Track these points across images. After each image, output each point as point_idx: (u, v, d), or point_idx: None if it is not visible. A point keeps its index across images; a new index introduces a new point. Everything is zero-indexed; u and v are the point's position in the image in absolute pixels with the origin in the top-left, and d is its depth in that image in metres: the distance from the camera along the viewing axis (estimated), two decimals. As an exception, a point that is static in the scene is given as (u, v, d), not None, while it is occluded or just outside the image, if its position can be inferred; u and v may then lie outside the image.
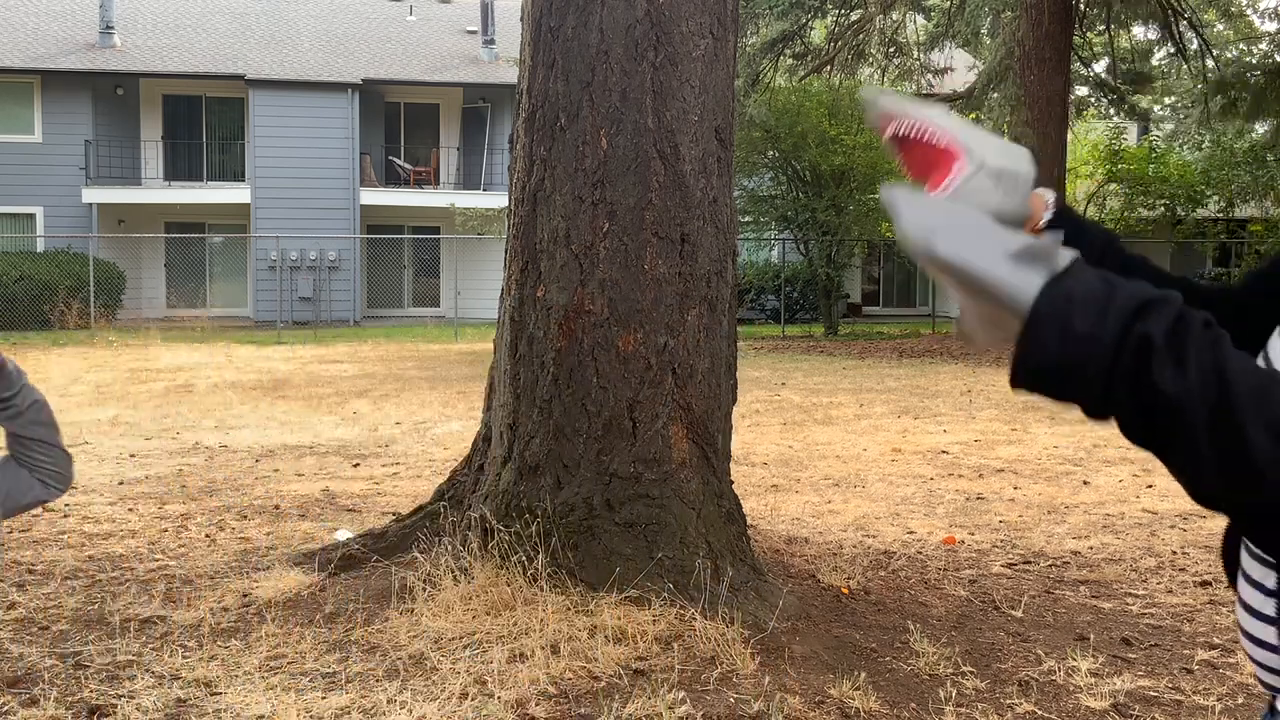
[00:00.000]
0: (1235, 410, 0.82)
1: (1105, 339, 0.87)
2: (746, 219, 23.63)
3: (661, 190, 4.18)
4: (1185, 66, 23.51)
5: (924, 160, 1.18)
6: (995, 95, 21.86)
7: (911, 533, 5.79)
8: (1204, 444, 0.84)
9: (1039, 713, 3.40)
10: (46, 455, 2.02)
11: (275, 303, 25.61)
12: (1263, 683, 1.07)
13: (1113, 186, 25.12)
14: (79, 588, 4.57)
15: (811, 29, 21.88)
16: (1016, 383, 0.92)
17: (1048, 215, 1.24)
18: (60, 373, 14.95)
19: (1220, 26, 33.21)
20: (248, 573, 4.73)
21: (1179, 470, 0.89)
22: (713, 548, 4.12)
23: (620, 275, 4.17)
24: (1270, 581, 1.00)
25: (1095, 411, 0.92)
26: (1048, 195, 1.20)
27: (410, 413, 10.73)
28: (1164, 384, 0.84)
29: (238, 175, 28.11)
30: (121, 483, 7.13)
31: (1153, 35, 34.52)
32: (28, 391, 2.00)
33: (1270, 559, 0.93)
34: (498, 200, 25.02)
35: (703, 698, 3.33)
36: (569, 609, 3.85)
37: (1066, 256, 0.92)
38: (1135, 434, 0.91)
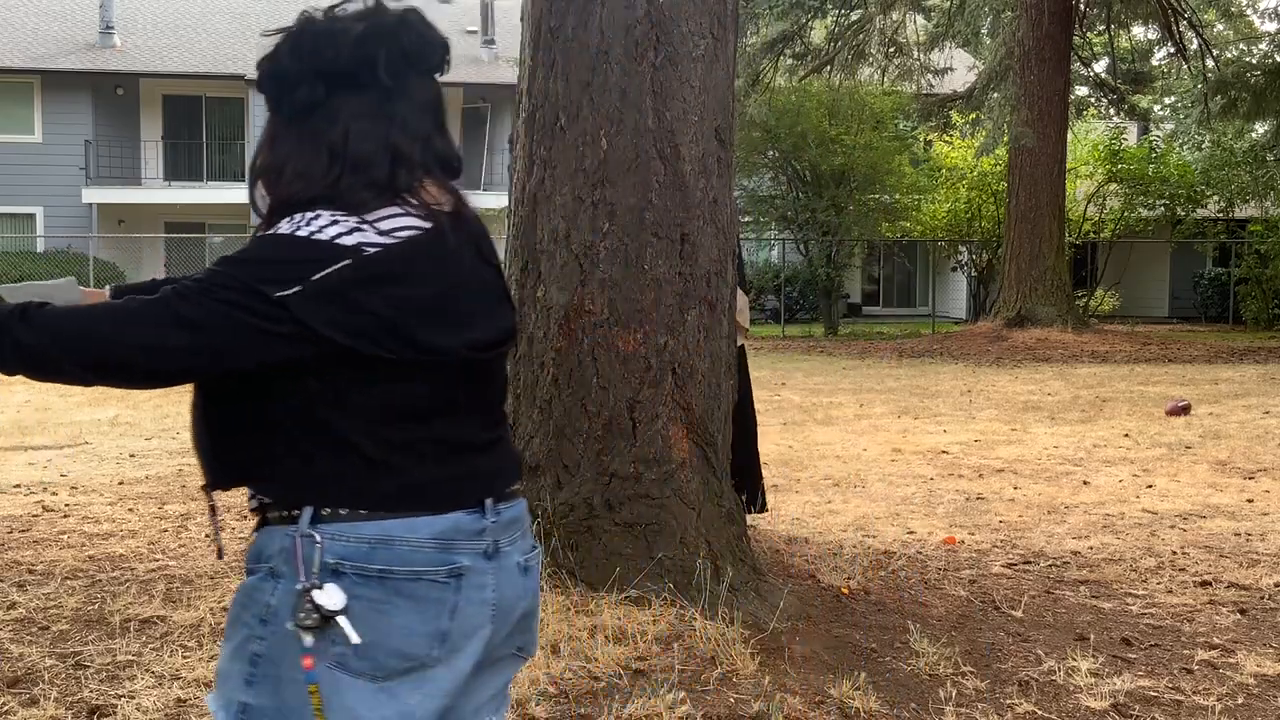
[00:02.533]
0: (56, 341, 1.52)
1: None
2: (746, 219, 23.62)
3: (661, 190, 4.18)
4: (1185, 66, 23.50)
5: None
6: (995, 95, 21.87)
7: (911, 533, 5.79)
8: (63, 363, 1.54)
9: (1039, 713, 3.40)
10: None
11: (275, 303, 25.52)
12: None
13: (1113, 186, 25.10)
14: (79, 588, 4.57)
15: (811, 29, 21.87)
16: None
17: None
18: (60, 373, 14.94)
19: (1220, 26, 33.23)
20: (248, 573, 4.73)
21: (68, 382, 1.58)
22: (713, 548, 4.12)
23: (620, 275, 4.17)
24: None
25: (9, 370, 1.55)
26: (108, 290, 1.96)
27: (410, 413, 10.74)
28: (24, 342, 1.51)
29: (238, 175, 28.10)
30: (121, 483, 7.13)
31: (1153, 35, 34.54)
32: None
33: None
34: (498, 200, 25.01)
35: (703, 698, 3.33)
36: (569, 609, 3.86)
37: None
38: (38, 376, 1.57)
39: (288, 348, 1.54)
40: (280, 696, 1.57)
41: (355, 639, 1.54)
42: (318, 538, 1.56)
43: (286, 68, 1.65)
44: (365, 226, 1.57)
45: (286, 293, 1.51)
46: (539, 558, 1.78)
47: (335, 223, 1.56)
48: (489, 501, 1.67)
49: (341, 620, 1.54)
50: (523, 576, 1.71)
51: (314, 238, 1.54)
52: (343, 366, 1.56)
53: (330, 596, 1.54)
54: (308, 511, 1.58)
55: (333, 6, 1.67)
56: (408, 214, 1.61)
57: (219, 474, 1.67)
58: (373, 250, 1.55)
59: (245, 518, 6.09)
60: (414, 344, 1.57)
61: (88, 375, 1.56)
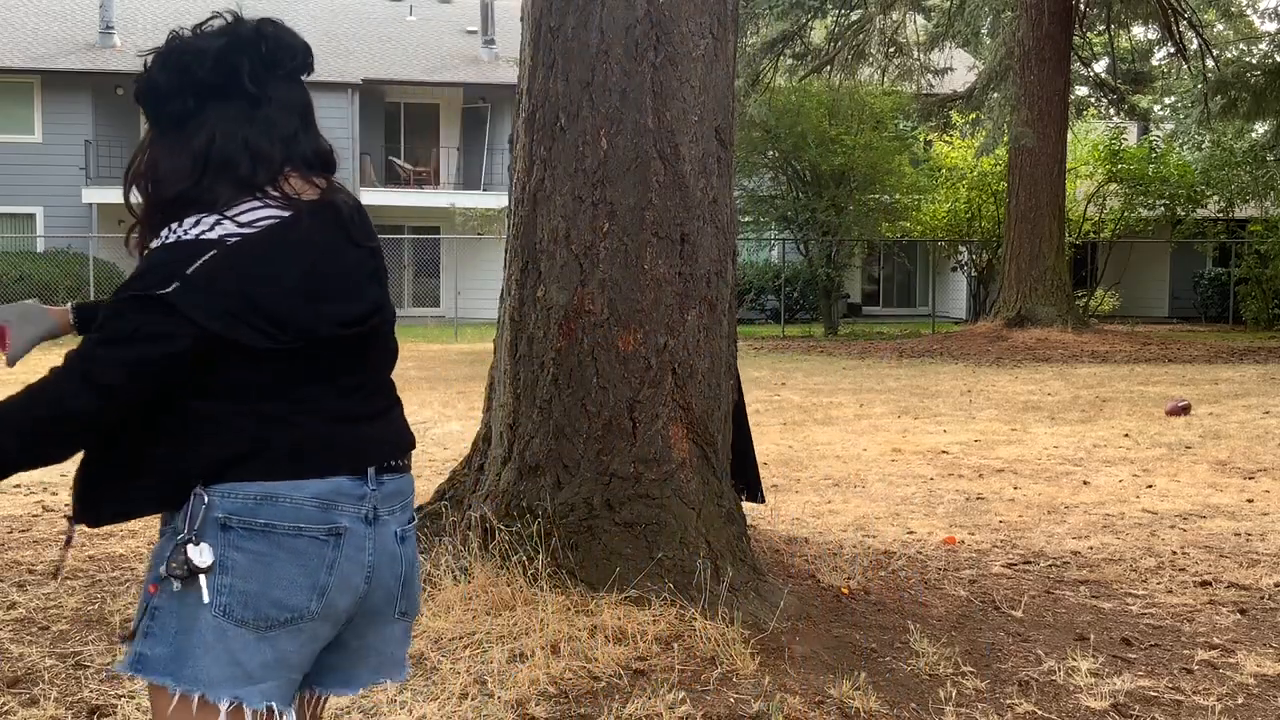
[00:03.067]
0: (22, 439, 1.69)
1: None
2: (746, 219, 23.62)
3: (661, 190, 4.18)
4: (1185, 66, 23.50)
5: None
6: (995, 95, 21.86)
7: (911, 533, 5.79)
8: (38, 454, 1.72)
9: (1039, 713, 3.40)
10: None
11: (275, 303, 25.53)
12: None
13: (1113, 186, 25.10)
14: (79, 588, 4.57)
15: (811, 29, 21.87)
16: None
17: (73, 318, 2.12)
18: (60, 373, 14.93)
19: (1220, 26, 33.23)
20: (248, 573, 4.73)
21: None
22: (713, 548, 4.12)
23: (620, 275, 4.16)
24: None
25: None
26: (69, 306, 2.13)
27: (410, 413, 10.69)
28: None
29: (238, 175, 28.06)
30: (121, 483, 7.12)
31: (1153, 35, 34.53)
32: None
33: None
34: (498, 200, 25.03)
35: (703, 698, 3.33)
36: (569, 609, 3.85)
37: None
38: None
39: (182, 345, 1.69)
40: (175, 644, 1.72)
41: (206, 598, 1.71)
42: (205, 497, 1.73)
43: (159, 84, 1.81)
44: (225, 220, 1.74)
45: (167, 290, 1.68)
46: (414, 530, 1.98)
47: (198, 222, 1.73)
48: (371, 471, 1.84)
49: (203, 579, 1.71)
50: (399, 545, 1.89)
51: (182, 240, 1.72)
52: (221, 354, 1.71)
53: (201, 554, 1.71)
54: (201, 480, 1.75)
55: (199, 24, 1.83)
56: (266, 205, 1.77)
57: (107, 507, 1.78)
58: (234, 240, 1.72)
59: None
60: (285, 324, 1.73)
61: (65, 449, 1.73)
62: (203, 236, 1.71)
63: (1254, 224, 24.90)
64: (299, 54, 1.84)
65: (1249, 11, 34.27)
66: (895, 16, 21.33)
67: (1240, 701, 3.52)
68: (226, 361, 1.72)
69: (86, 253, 23.55)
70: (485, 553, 4.15)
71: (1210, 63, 22.18)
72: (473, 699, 3.31)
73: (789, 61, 21.80)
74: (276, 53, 1.81)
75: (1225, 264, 26.90)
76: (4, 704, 3.33)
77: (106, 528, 5.74)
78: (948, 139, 25.05)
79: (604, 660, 3.52)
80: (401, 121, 29.41)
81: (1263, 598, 4.65)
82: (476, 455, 4.73)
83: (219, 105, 1.80)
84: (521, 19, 4.50)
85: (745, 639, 3.70)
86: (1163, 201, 25.35)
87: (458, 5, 32.75)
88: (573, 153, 4.21)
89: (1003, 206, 21.65)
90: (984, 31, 27.27)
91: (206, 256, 1.70)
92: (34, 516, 6.06)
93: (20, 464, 1.71)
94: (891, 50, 22.01)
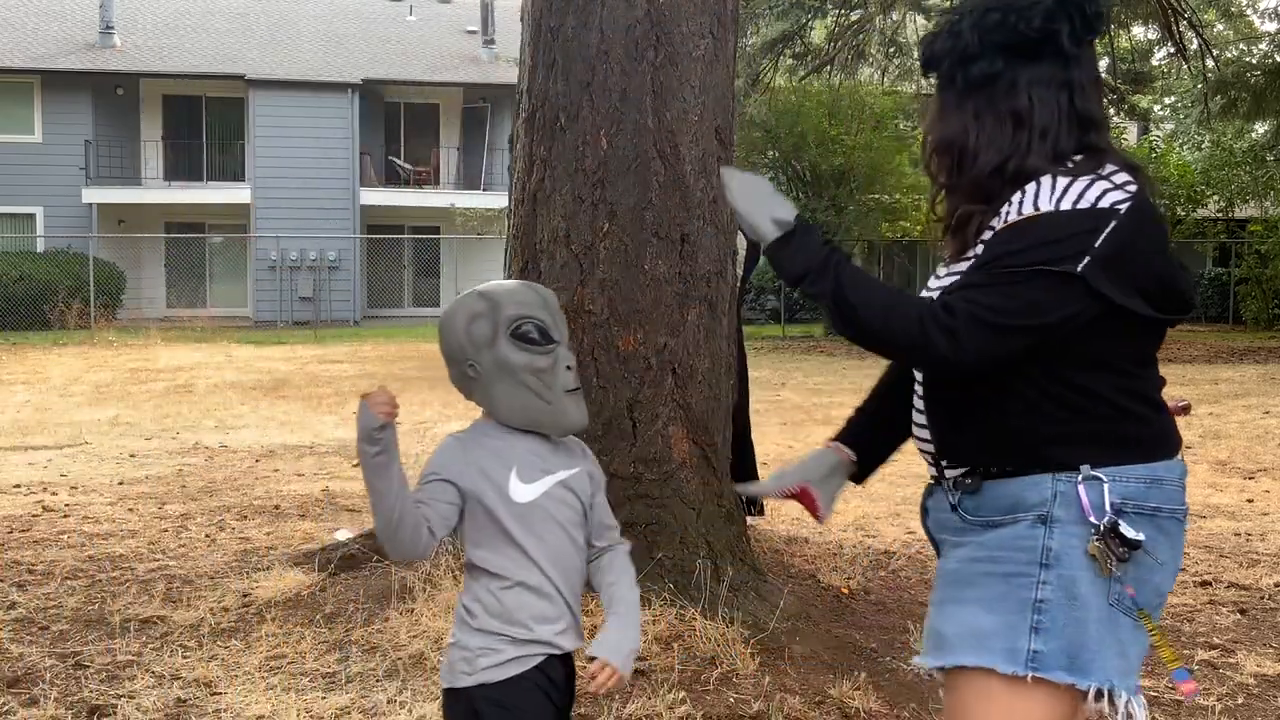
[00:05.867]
0: (842, 301, 1.73)
1: (792, 272, 1.83)
2: (747, 219, 23.60)
3: (661, 190, 4.17)
4: (1185, 66, 23.49)
5: None
6: (995, 95, 21.81)
7: (911, 533, 5.79)
8: (832, 313, 1.75)
9: (1039, 713, 3.39)
10: None
11: (275, 303, 25.64)
12: (923, 452, 1.89)
13: (1113, 186, 25.08)
14: (79, 588, 4.57)
15: (811, 29, 21.86)
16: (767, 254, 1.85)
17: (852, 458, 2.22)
18: (60, 373, 14.96)
19: (1220, 26, 33.19)
20: (248, 573, 4.73)
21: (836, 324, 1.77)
22: (713, 548, 4.12)
23: (620, 275, 4.16)
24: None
25: (796, 287, 1.83)
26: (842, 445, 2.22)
27: (410, 413, 10.73)
28: (845, 298, 1.73)
29: (238, 175, 28.12)
30: (121, 483, 7.13)
31: (1153, 35, 34.51)
32: None
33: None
34: (498, 200, 25.03)
35: (703, 698, 3.33)
36: (569, 609, 3.85)
37: (791, 216, 1.86)
38: (807, 293, 1.80)
39: (1082, 321, 1.63)
40: (1066, 636, 1.64)
41: (1162, 558, 1.68)
42: (1104, 478, 1.66)
43: (967, 43, 1.74)
44: (1107, 183, 1.65)
45: (1079, 266, 1.60)
46: None
47: (1088, 186, 1.64)
48: (1182, 449, 1.80)
49: (1145, 549, 1.65)
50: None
51: (1077, 208, 1.62)
52: (1104, 327, 1.65)
53: (1130, 529, 1.64)
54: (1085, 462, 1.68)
55: None
56: (1120, 170, 1.68)
57: (976, 453, 1.74)
58: (1124, 206, 1.63)
59: (245, 517, 6.11)
60: (1173, 294, 1.67)
61: (876, 348, 1.74)
62: (1098, 204, 1.63)
63: (1254, 224, 24.90)
64: (1106, 21, 1.76)
65: (1249, 11, 34.25)
66: (895, 16, 21.32)
67: (1240, 701, 3.52)
68: (1106, 334, 1.66)
69: (86, 253, 23.55)
70: (485, 553, 4.14)
71: (1210, 63, 22.16)
72: (473, 699, 3.30)
73: (789, 61, 21.79)
74: (1097, 14, 1.72)
75: (1225, 264, 26.89)
76: (4, 704, 3.33)
77: (105, 528, 5.75)
78: (948, 139, 25.03)
79: (604, 660, 3.51)
80: (401, 121, 29.42)
81: (1263, 598, 4.65)
82: (476, 455, 4.72)
83: (1029, 67, 1.71)
84: (521, 19, 4.50)
85: (745, 639, 3.70)
86: (1163, 201, 25.32)
87: (458, 5, 32.75)
88: (573, 153, 4.21)
89: (1003, 206, 21.62)
90: (984, 31, 27.26)
91: (1110, 228, 1.61)
92: (34, 516, 6.06)
93: (808, 293, 1.78)
94: (891, 50, 22.00)
